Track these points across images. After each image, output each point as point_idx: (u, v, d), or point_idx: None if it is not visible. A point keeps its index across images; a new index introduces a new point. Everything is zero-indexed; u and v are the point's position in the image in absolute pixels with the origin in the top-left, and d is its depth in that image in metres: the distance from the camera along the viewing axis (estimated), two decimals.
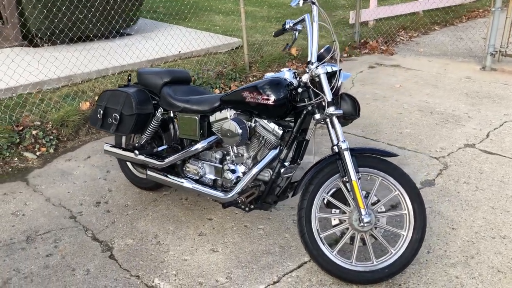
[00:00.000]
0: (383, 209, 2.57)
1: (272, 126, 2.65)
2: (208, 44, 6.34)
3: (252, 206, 2.71)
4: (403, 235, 2.50)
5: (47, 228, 3.00)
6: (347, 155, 2.44)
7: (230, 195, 2.70)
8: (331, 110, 2.46)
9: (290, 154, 2.72)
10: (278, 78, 2.58)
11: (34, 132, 4.07)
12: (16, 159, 3.89)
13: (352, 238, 2.53)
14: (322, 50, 2.60)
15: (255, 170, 2.64)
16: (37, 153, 3.98)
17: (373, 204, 2.53)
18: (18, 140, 3.98)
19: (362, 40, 7.44)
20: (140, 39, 6.38)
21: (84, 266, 2.65)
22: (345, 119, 2.55)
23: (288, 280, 2.52)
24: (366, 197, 2.47)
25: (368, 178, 2.55)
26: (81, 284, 2.51)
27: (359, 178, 2.46)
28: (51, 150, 4.05)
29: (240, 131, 2.62)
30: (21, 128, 4.08)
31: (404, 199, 2.50)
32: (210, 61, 5.89)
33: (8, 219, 3.11)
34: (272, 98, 2.52)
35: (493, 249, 2.71)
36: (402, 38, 8.11)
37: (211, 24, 8.06)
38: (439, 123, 4.47)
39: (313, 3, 2.57)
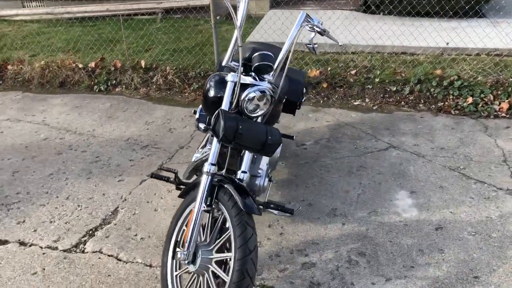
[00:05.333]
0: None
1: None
2: None
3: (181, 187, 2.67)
4: None
5: (158, 145, 3.88)
6: (204, 179, 2.08)
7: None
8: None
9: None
10: (221, 77, 2.34)
11: None
12: None
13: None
14: (255, 54, 2.13)
15: (194, 157, 2.59)
16: None
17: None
18: None
19: None
20: (483, 24, 5.45)
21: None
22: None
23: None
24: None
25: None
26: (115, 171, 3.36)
27: (208, 211, 2.08)
28: None
29: (197, 116, 2.59)
30: None
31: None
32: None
33: (162, 131, 4.16)
34: (206, 92, 2.35)
35: None
36: None
37: None
38: None
39: None
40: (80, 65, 5.31)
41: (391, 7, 5.97)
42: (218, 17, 6.81)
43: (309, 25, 2.32)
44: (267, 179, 2.60)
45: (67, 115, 4.56)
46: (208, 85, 2.31)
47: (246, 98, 2.08)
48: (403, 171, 3.32)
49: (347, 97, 4.62)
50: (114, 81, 5.15)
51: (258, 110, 2.12)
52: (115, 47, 5.79)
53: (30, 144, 3.98)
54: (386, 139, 3.78)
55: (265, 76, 2.22)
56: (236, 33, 2.04)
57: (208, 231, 2.11)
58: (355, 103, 4.53)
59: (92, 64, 5.27)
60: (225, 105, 2.11)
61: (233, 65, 2.15)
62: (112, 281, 2.43)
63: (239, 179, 2.17)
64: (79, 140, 4.01)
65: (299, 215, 2.90)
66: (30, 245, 2.74)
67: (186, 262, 2.05)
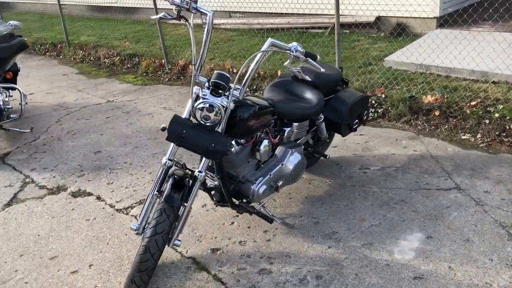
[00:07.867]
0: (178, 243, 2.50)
1: None
2: None
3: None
4: None
5: None
6: (159, 170, 2.55)
7: None
8: None
9: None
10: None
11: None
12: None
13: None
14: (215, 72, 2.48)
15: None
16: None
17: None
18: None
19: None
20: None
21: None
22: None
23: None
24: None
25: None
26: None
27: (158, 196, 2.55)
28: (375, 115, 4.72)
29: None
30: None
31: None
32: None
33: None
34: None
35: None
36: None
37: None
38: None
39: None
40: (235, 70, 6.16)
41: None
42: (382, 34, 6.84)
43: (285, 52, 2.50)
44: (264, 187, 2.85)
45: None
46: None
47: (196, 108, 2.42)
48: (441, 215, 3.03)
49: (457, 129, 4.23)
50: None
51: (210, 120, 2.43)
52: (270, 56, 6.46)
53: None
54: (458, 180, 3.43)
55: (234, 91, 2.49)
56: (193, 50, 2.41)
57: None
58: (463, 137, 4.13)
59: (244, 70, 6.05)
60: (186, 112, 2.50)
61: (199, 80, 2.51)
62: (116, 233, 3.09)
63: (194, 177, 2.52)
64: None
65: (299, 229, 3.02)
66: (101, 200, 3.61)
67: (136, 233, 2.55)
